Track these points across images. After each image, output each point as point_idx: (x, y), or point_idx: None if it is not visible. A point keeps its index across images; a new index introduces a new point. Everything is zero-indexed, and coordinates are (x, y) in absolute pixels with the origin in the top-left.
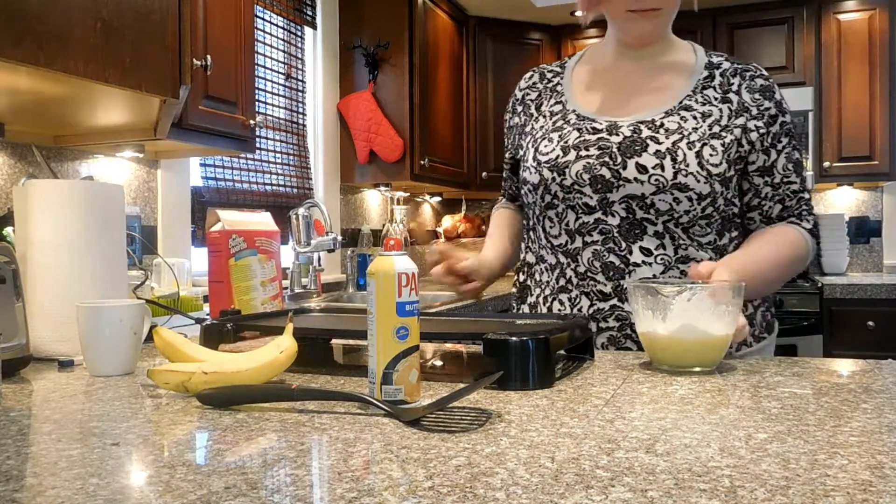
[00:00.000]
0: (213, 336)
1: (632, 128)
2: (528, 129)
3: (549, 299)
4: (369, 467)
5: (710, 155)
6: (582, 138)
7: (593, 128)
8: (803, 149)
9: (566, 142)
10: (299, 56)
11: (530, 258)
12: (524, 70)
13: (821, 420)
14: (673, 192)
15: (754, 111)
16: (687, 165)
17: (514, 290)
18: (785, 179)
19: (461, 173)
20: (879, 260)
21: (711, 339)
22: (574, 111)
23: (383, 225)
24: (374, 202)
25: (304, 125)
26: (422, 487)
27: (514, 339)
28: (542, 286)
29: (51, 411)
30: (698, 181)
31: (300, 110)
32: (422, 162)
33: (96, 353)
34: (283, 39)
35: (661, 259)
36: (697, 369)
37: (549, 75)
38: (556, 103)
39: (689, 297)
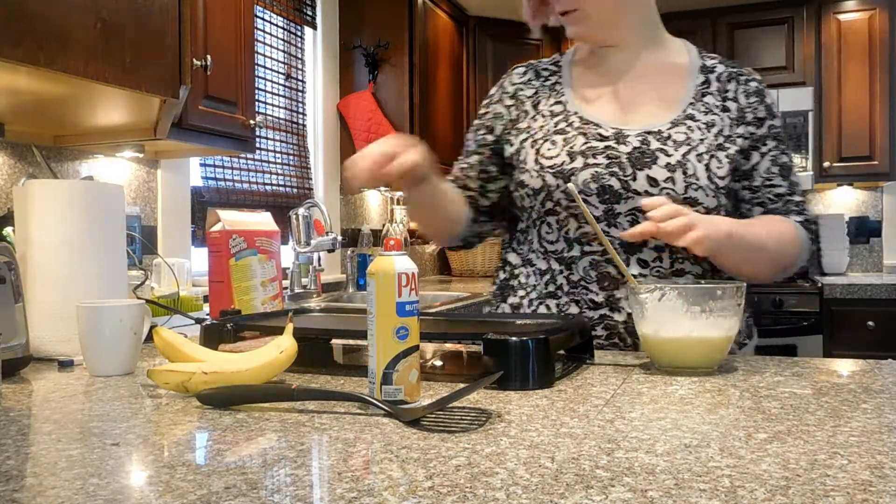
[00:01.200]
0: (213, 336)
1: (640, 138)
2: (522, 125)
3: (535, 303)
4: (369, 467)
5: (717, 167)
6: (588, 145)
7: (599, 134)
8: (803, 148)
9: (572, 147)
10: (299, 56)
11: (514, 259)
12: None
13: (821, 420)
14: (683, 206)
15: (749, 117)
16: (697, 179)
17: (493, 287)
18: (766, 183)
19: None
20: (879, 260)
21: (692, 339)
22: (576, 113)
23: (383, 225)
24: (374, 202)
25: (304, 125)
26: (422, 487)
27: (514, 339)
28: (528, 289)
29: (51, 411)
30: (707, 195)
31: (300, 110)
32: None
33: (96, 353)
34: (283, 39)
35: (657, 271)
36: (679, 370)
37: (545, 73)
38: (557, 103)
39: (659, 297)
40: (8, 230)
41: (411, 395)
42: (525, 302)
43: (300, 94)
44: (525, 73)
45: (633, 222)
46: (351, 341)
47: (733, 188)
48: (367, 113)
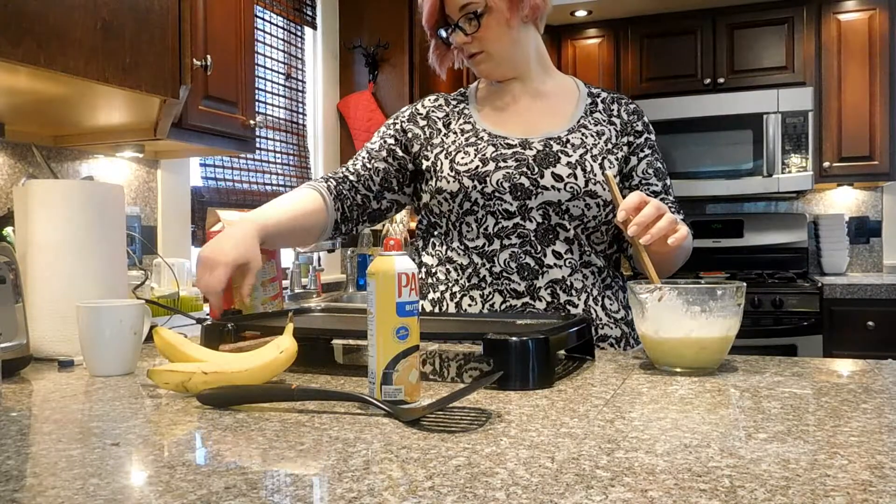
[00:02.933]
0: (214, 336)
1: (542, 143)
2: (436, 141)
3: (458, 295)
4: (369, 467)
5: (609, 167)
6: (498, 152)
7: (507, 143)
8: (803, 148)
9: (484, 154)
10: (299, 56)
11: (429, 259)
12: None
13: (821, 420)
14: (585, 198)
15: (629, 128)
16: (595, 175)
17: None
18: (643, 181)
19: None
20: (879, 260)
21: (692, 339)
22: (484, 130)
23: (383, 225)
24: None
25: (304, 125)
26: (422, 487)
27: (514, 339)
28: (449, 283)
29: (51, 411)
30: (604, 189)
31: (300, 110)
32: None
33: (96, 353)
34: (283, 39)
35: (569, 262)
36: (679, 370)
37: (453, 102)
38: (466, 123)
39: (659, 297)
40: (8, 230)
41: (411, 395)
42: (447, 296)
43: (300, 94)
44: (436, 99)
45: (544, 215)
46: (351, 341)
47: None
48: (367, 113)
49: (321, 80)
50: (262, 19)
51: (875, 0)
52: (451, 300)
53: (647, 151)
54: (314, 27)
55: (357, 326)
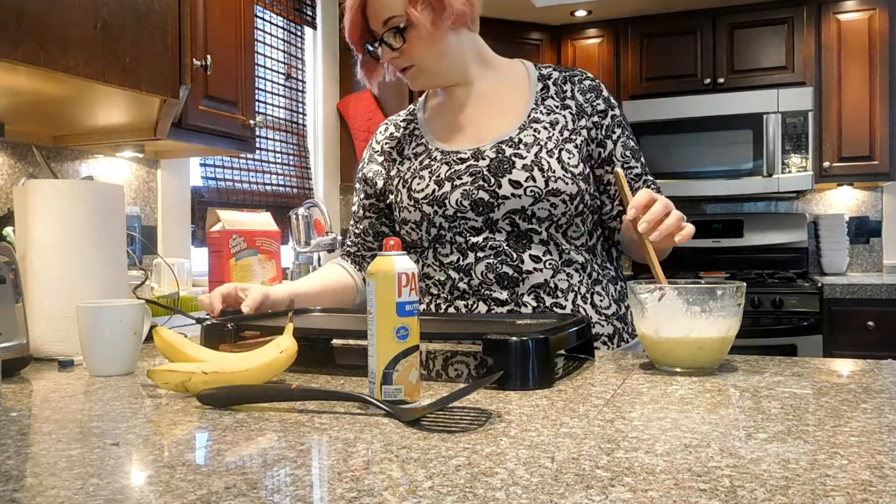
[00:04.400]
0: (214, 336)
1: (494, 149)
2: (392, 173)
3: (444, 305)
4: (369, 467)
5: (568, 158)
6: (452, 170)
7: (459, 158)
8: (803, 148)
9: (438, 176)
10: (299, 56)
11: None
12: None
13: (821, 420)
14: (549, 198)
15: (589, 110)
16: (554, 172)
17: None
18: (625, 166)
19: None
20: (879, 260)
21: (691, 339)
22: (437, 149)
23: None
24: None
25: (304, 125)
26: (422, 487)
27: (514, 339)
28: (432, 297)
29: (51, 411)
30: (567, 183)
31: (300, 110)
32: None
33: (96, 353)
34: (283, 39)
35: (550, 264)
36: (679, 370)
37: (403, 124)
38: (418, 145)
39: (659, 297)
40: (8, 230)
41: (411, 396)
42: (433, 307)
43: (300, 94)
44: (386, 129)
45: (512, 223)
46: (351, 341)
47: (595, 174)
48: (367, 113)
49: (321, 80)
50: (262, 19)
51: (875, 0)
52: (437, 312)
53: (618, 131)
54: (314, 27)
55: (357, 326)
